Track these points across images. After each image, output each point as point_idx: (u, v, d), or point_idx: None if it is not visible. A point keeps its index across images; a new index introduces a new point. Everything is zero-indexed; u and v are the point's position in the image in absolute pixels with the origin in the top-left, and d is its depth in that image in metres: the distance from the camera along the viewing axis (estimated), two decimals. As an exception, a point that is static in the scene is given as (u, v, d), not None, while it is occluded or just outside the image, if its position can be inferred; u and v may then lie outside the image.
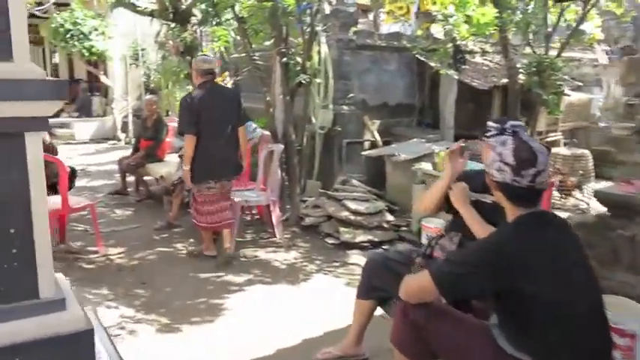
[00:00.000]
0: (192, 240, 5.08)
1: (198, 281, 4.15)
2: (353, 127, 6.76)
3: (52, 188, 5.55)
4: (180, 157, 5.39)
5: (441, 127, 6.79)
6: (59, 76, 18.05)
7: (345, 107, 6.65)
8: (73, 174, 5.72)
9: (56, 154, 5.45)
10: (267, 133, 5.45)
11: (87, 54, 10.39)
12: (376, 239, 5.10)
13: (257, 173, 5.35)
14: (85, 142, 11.79)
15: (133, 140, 7.99)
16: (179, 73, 7.18)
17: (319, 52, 5.81)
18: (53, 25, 10.13)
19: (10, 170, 1.67)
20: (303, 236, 5.32)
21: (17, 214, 1.69)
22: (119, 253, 4.71)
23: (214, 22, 7.30)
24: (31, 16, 11.84)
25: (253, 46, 6.30)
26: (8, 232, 1.68)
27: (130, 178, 6.85)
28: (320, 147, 6.37)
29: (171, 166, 6.40)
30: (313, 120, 6.17)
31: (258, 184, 5.26)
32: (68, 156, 9.74)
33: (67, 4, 10.59)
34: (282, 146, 5.13)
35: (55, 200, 4.49)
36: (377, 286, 2.87)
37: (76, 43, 10.16)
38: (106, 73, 12.23)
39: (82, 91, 13.05)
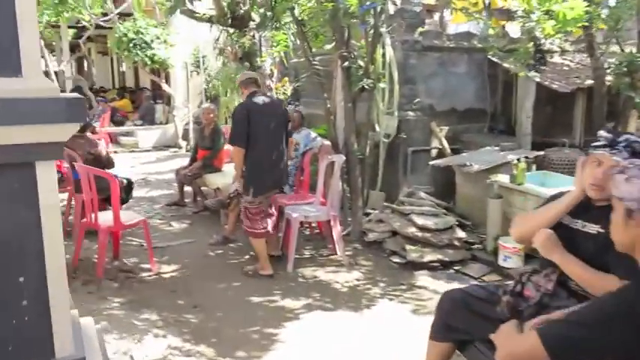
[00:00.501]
0: (247, 257, 4.80)
1: (251, 306, 3.85)
2: (419, 134, 6.32)
3: (108, 201, 5.45)
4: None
5: (517, 133, 6.21)
6: (126, 85, 18.55)
7: (410, 113, 6.21)
8: (129, 186, 5.59)
9: (112, 166, 5.33)
10: (327, 142, 5.11)
11: (149, 62, 10.44)
12: (446, 259, 4.65)
13: (316, 184, 5.02)
14: (148, 150, 11.89)
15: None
16: (233, 79, 6.96)
17: (383, 55, 5.42)
18: (117, 35, 10.24)
19: (18, 207, 1.39)
20: (365, 254, 4.94)
21: (27, 259, 1.42)
22: (172, 272, 4.49)
23: (273, 27, 7.07)
24: (98, 26, 12.10)
25: (313, 50, 5.98)
26: (17, 281, 1.41)
27: (188, 189, 6.70)
28: (384, 156, 5.96)
29: (228, 176, 6.17)
30: (377, 127, 5.78)
31: (318, 197, 4.93)
32: (131, 165, 9.82)
33: (131, 14, 10.69)
34: (343, 157, 4.76)
35: (108, 217, 4.31)
36: (455, 327, 2.44)
37: (138, 51, 10.22)
38: (168, 81, 12.31)
39: (145, 99, 13.21)
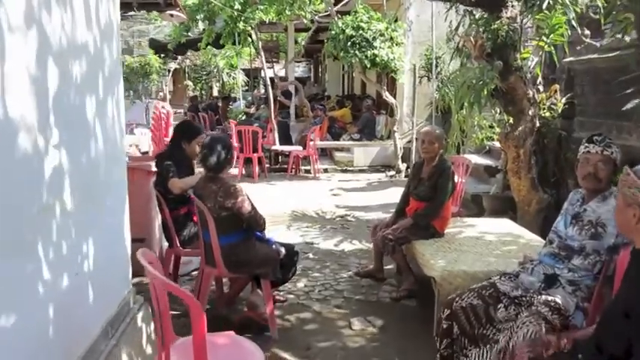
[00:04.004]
0: None
1: None
2: None
3: (257, 281, 3.44)
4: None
5: None
6: (354, 92, 17.07)
7: None
8: (291, 257, 3.49)
9: (261, 228, 3.27)
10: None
11: (368, 65, 8.41)
12: None
13: None
14: (362, 170, 9.96)
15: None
16: (481, 87, 4.37)
17: None
18: (333, 32, 8.45)
19: None
20: None
21: None
22: None
23: (545, 4, 4.35)
24: (321, 29, 10.62)
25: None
26: None
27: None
28: None
29: (452, 250, 3.67)
30: None
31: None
32: (333, 192, 7.93)
33: (354, 11, 8.80)
34: None
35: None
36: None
37: (356, 51, 8.27)
38: (392, 88, 10.23)
39: (365, 108, 11.32)
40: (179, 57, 15.96)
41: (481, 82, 4.43)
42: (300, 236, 5.63)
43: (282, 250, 3.40)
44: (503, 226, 4.33)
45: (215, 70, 19.15)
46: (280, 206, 6.93)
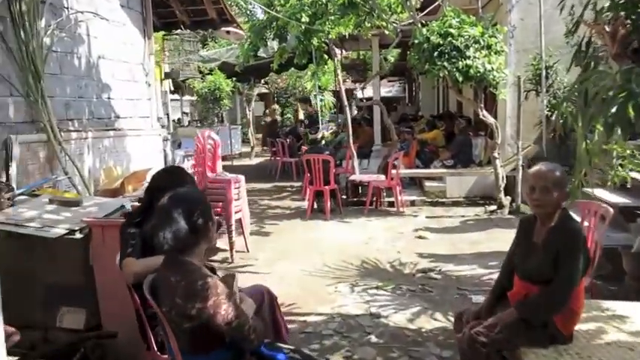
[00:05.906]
0: None
1: None
2: None
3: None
4: None
5: None
6: (448, 109, 15.35)
7: None
8: None
9: (251, 344, 2.00)
10: None
11: (460, 78, 6.93)
12: None
13: None
14: (457, 202, 8.40)
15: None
16: (626, 100, 2.84)
17: None
18: (417, 41, 7.09)
19: None
20: None
21: None
22: None
23: None
24: (405, 43, 9.30)
25: None
26: None
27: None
28: None
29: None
30: None
31: None
32: (419, 233, 6.50)
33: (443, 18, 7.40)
34: None
35: None
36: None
37: (445, 63, 6.84)
38: (492, 105, 8.62)
39: (460, 130, 9.75)
40: (262, 80, 15.27)
41: (625, 93, 2.90)
42: (364, 302, 4.29)
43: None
44: (669, 317, 2.74)
45: (301, 93, 18.30)
46: (349, 254, 5.65)
